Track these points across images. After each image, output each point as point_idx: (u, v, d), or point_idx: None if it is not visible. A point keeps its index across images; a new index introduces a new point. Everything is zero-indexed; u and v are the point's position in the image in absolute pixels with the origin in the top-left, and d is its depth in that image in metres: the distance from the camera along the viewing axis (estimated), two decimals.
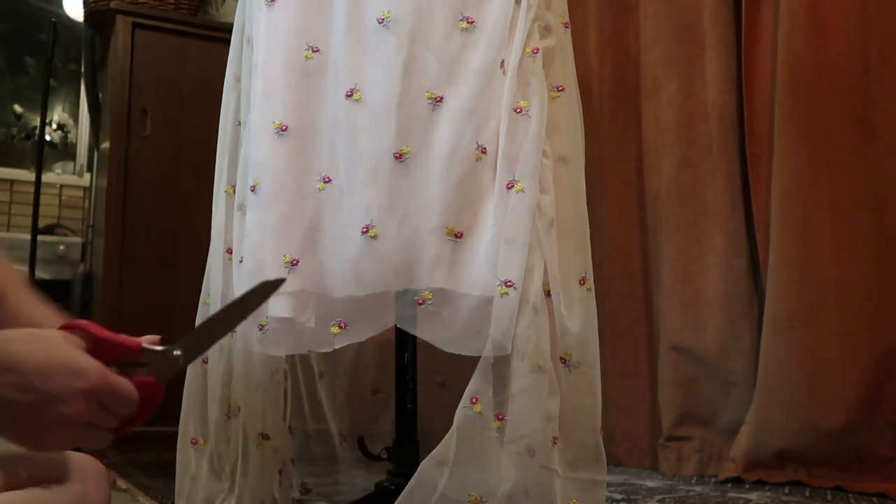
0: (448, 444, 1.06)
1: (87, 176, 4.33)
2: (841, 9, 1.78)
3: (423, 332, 1.17)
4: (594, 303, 1.21)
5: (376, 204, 1.15)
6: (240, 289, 1.24)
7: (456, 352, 1.13)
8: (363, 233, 1.14)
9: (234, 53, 1.44)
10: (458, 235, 1.13)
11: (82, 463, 0.79)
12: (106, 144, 2.80)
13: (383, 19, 1.19)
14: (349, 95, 1.19)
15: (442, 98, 1.17)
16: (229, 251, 1.36)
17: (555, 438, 1.08)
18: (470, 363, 1.10)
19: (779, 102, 1.84)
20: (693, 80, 2.06)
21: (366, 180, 1.16)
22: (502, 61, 1.18)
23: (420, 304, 1.13)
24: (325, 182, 1.20)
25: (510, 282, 1.08)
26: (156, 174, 2.61)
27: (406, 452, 1.35)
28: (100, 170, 3.13)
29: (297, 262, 1.18)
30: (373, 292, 1.16)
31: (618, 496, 1.63)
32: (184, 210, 2.56)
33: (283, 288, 1.15)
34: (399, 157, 1.15)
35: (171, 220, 2.58)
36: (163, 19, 2.72)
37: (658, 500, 1.60)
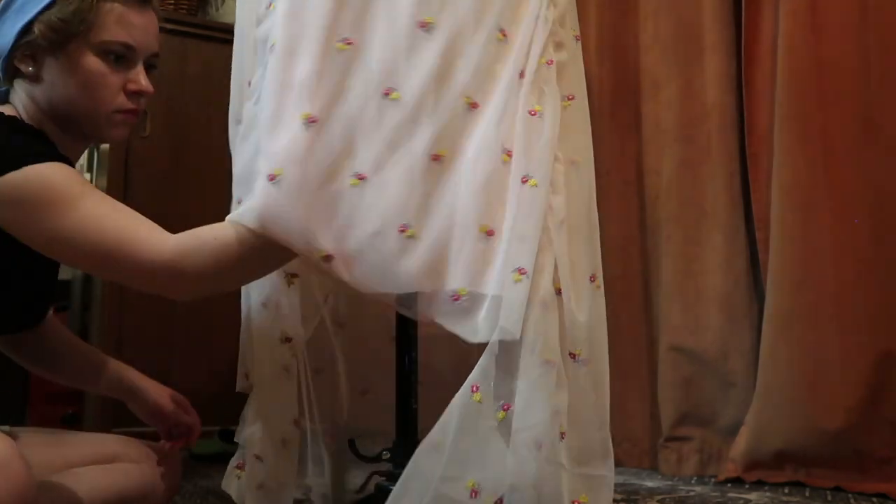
0: (443, 427, 1.07)
1: (87, 176, 4.33)
2: (841, 9, 1.79)
3: (449, 325, 1.16)
4: (603, 300, 1.24)
5: (413, 203, 1.16)
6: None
7: (474, 340, 1.13)
8: (400, 232, 1.15)
9: (238, 51, 1.45)
10: (489, 233, 1.15)
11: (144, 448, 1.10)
12: (106, 144, 2.80)
13: (426, 23, 1.21)
14: (387, 94, 1.20)
15: (476, 104, 1.21)
16: None
17: (562, 433, 1.09)
18: (470, 363, 1.10)
19: (779, 102, 1.84)
20: (693, 81, 2.06)
21: (402, 179, 1.17)
22: (522, 71, 1.23)
23: (455, 301, 1.13)
24: (359, 179, 1.19)
25: (523, 269, 1.10)
26: (156, 174, 2.60)
27: (406, 452, 1.34)
28: (100, 170, 3.12)
29: (331, 256, 1.16)
30: (408, 292, 1.17)
31: (618, 496, 1.63)
32: (184, 210, 2.55)
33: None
34: (436, 158, 1.18)
35: (172, 220, 2.57)
36: (162, 19, 2.72)
37: (658, 501, 1.60)
